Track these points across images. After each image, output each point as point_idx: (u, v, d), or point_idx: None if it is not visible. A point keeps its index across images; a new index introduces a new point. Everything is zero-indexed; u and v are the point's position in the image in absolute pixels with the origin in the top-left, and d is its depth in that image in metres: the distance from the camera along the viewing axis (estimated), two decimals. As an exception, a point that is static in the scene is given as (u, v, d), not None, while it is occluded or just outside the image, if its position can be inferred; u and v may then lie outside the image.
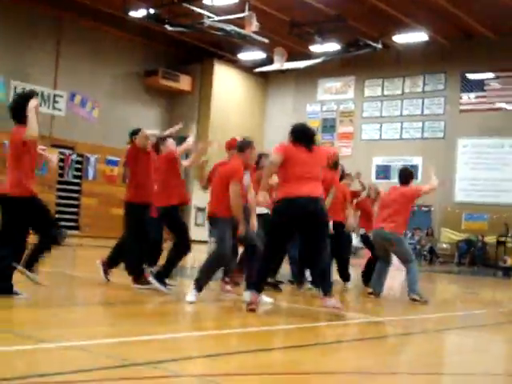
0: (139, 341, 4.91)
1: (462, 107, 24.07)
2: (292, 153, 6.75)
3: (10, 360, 4.09)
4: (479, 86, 23.65)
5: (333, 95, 26.96)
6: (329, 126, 26.86)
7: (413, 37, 22.70)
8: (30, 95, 6.71)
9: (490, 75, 23.48)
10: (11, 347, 4.34)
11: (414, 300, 8.62)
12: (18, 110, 6.58)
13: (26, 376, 3.61)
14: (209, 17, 20.12)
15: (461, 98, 24.06)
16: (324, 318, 7.00)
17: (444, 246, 23.17)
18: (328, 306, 6.75)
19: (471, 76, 23.81)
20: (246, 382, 3.96)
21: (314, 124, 27.14)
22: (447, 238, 23.23)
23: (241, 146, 7.53)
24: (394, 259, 9.27)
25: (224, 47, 25.69)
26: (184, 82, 26.68)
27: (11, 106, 6.77)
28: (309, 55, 23.73)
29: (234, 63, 27.13)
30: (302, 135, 6.91)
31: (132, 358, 4.24)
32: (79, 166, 23.34)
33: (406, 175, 9.30)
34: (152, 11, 21.10)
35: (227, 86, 27.32)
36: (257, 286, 6.82)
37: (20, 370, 3.78)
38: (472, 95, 23.88)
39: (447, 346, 6.36)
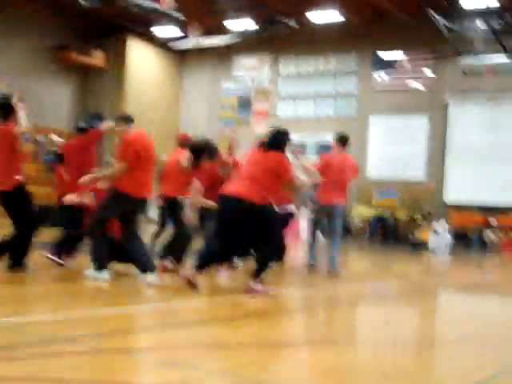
0: (57, 319, 4.88)
1: (373, 85, 24.61)
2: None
3: None
4: (390, 65, 24.23)
5: (249, 72, 27.02)
6: (244, 103, 26.95)
7: (326, 15, 22.98)
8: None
9: (401, 55, 24.06)
10: None
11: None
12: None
13: None
14: (123, -9, 19.76)
15: (372, 77, 24.59)
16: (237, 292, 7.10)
17: (356, 221, 23.73)
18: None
19: (382, 55, 24.35)
20: (173, 355, 4.01)
21: (230, 101, 27.18)
22: (359, 214, 23.80)
23: None
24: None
25: (139, 22, 25.25)
26: (97, 57, 26.13)
27: None
28: (224, 31, 23.67)
29: (150, 39, 26.75)
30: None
31: (51, 335, 4.21)
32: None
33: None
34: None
35: (142, 61, 26.96)
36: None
37: None
38: (383, 74, 24.44)
39: (359, 317, 6.57)
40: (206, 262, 6.91)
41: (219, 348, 4.30)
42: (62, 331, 4.42)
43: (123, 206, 7.11)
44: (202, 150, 8.21)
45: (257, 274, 6.85)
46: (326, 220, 9.36)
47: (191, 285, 6.66)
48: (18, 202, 7.18)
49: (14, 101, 7.28)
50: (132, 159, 6.99)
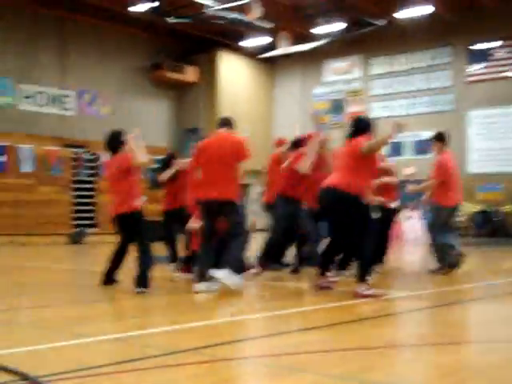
0: (176, 329, 5.02)
1: (469, 79, 24.00)
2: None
3: (55, 355, 4.21)
4: (485, 55, 23.56)
5: (339, 76, 26.93)
6: (338, 106, 26.85)
7: (416, 11, 22.59)
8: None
9: (496, 44, 23.38)
10: (53, 344, 4.46)
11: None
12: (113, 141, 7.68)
13: (74, 370, 3.72)
14: (210, 6, 20.14)
15: (468, 70, 23.99)
16: (348, 297, 7.08)
17: (461, 218, 23.15)
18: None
19: (477, 46, 23.72)
20: (293, 360, 4.06)
21: (323, 106, 27.16)
22: (463, 210, 23.21)
23: None
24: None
25: (228, 35, 25.67)
26: (190, 73, 26.72)
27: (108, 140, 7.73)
28: (313, 37, 23.69)
29: (239, 51, 27.11)
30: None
31: (172, 347, 4.35)
32: (93, 164, 23.45)
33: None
34: (153, 4, 21.12)
35: (233, 73, 27.34)
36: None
37: (66, 366, 3.89)
38: (479, 66, 23.79)
39: (471, 316, 6.43)
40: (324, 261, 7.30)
41: (336, 352, 4.32)
42: (180, 342, 4.56)
43: None
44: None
45: (361, 277, 6.85)
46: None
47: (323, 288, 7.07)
48: (133, 224, 7.57)
49: (131, 135, 7.62)
50: None
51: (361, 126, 7.26)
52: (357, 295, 6.78)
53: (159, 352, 4.22)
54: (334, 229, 7.38)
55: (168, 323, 5.44)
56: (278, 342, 4.71)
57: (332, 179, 7.08)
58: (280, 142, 9.37)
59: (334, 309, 6.37)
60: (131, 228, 7.57)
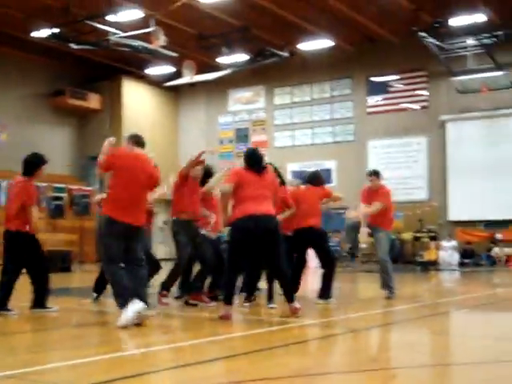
0: (72, 365, 4.82)
1: (369, 110, 24.73)
2: (243, 177, 7.39)
3: None
4: (385, 88, 24.37)
5: (244, 105, 27.19)
6: (242, 135, 27.06)
7: (318, 44, 23.18)
8: None
9: (394, 77, 24.23)
10: None
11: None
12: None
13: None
14: (114, 33, 19.91)
15: (367, 101, 24.73)
16: (254, 325, 7.05)
17: (363, 246, 23.60)
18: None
19: (376, 79, 24.51)
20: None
21: (227, 135, 27.31)
22: (365, 238, 23.67)
23: None
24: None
25: (132, 63, 25.49)
26: (93, 101, 26.31)
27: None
28: (217, 67, 23.84)
29: (143, 79, 26.96)
30: (251, 161, 7.53)
31: (71, 382, 4.17)
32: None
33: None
34: (55, 30, 20.68)
35: (137, 102, 27.12)
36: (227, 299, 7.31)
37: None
38: (378, 97, 24.58)
39: (377, 342, 6.51)
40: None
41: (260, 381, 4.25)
42: (80, 377, 4.36)
43: None
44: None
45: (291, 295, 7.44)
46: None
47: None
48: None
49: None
50: None
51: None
52: (293, 311, 7.30)
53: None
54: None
55: (67, 358, 5.21)
56: (184, 374, 4.59)
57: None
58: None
59: (241, 338, 6.31)
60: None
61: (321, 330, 7.00)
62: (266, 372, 4.62)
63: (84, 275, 16.50)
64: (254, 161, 7.53)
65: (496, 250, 21.74)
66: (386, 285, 9.82)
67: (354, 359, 5.34)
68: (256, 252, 7.44)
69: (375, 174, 10.19)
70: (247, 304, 8.65)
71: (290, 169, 25.24)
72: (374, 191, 9.98)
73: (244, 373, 4.65)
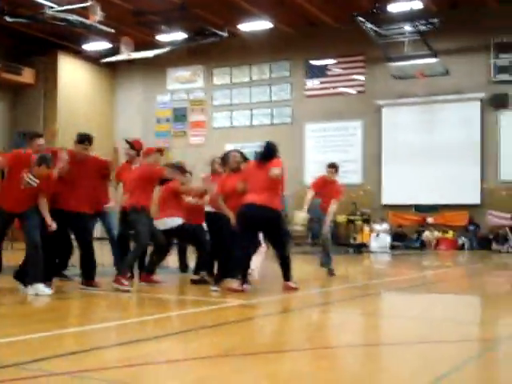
0: (2, 343, 4.73)
1: (307, 93, 24.87)
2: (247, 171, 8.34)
3: None
4: (323, 71, 24.54)
5: (182, 84, 26.96)
6: (180, 115, 26.86)
7: (257, 25, 23.13)
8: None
9: (332, 61, 24.42)
10: None
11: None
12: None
13: None
14: (50, 7, 19.43)
15: (305, 84, 24.86)
16: (190, 305, 7.05)
17: (298, 228, 23.82)
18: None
19: (314, 62, 24.65)
20: (120, 374, 3.93)
21: (166, 114, 27.06)
22: (300, 219, 23.89)
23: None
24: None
25: (68, 38, 24.93)
26: (27, 75, 25.67)
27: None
28: (156, 44, 23.55)
29: (80, 54, 26.43)
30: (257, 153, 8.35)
31: (-5, 363, 4.09)
32: None
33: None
34: (-12, 1, 20.07)
35: (73, 77, 26.59)
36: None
37: None
38: (316, 81, 24.74)
39: (309, 323, 6.60)
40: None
41: (171, 363, 4.25)
42: (1, 357, 4.29)
43: None
44: None
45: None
46: None
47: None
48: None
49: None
50: None
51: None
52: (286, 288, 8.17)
53: None
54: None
55: (7, 335, 5.11)
56: (109, 354, 4.56)
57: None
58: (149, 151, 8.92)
59: (170, 318, 6.30)
60: None
61: (254, 310, 7.05)
62: (194, 352, 4.63)
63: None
64: (258, 153, 8.28)
65: (426, 234, 22.27)
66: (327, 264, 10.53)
67: (285, 339, 5.40)
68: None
69: (335, 167, 10.98)
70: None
71: (227, 149, 25.14)
72: (330, 183, 10.80)
73: (173, 352, 4.65)
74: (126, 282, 7.98)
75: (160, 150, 8.96)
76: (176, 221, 8.85)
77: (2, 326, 5.71)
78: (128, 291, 7.86)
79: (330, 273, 10.43)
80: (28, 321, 6.08)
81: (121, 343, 5.02)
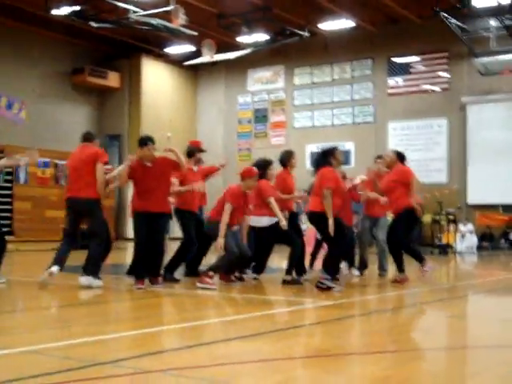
0: (96, 340, 4.85)
1: (389, 91, 24.54)
2: None
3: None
4: (406, 69, 24.16)
5: (263, 85, 27.06)
6: (261, 116, 26.96)
7: (339, 23, 22.96)
8: None
9: (415, 58, 24.00)
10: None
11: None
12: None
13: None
14: (134, 11, 19.85)
15: (388, 83, 24.54)
16: (278, 305, 7.07)
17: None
18: None
19: (397, 60, 24.29)
20: (215, 372, 3.97)
21: (247, 115, 27.23)
22: (383, 219, 23.62)
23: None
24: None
25: (151, 42, 25.42)
26: (112, 79, 26.30)
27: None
28: (237, 46, 23.73)
29: (163, 57, 26.89)
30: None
31: (92, 359, 4.19)
32: (10, 169, 22.73)
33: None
34: (75, 8, 20.67)
35: (157, 80, 27.08)
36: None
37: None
38: (399, 79, 24.37)
39: (399, 324, 6.50)
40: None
41: (261, 363, 4.26)
42: (101, 354, 4.40)
43: None
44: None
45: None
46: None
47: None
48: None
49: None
50: None
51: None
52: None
53: (79, 364, 4.07)
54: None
55: (88, 334, 5.25)
56: (202, 352, 4.61)
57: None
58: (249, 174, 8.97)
59: (257, 318, 6.32)
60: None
61: (339, 311, 7.00)
62: (285, 352, 4.63)
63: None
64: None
65: (516, 235, 21.60)
66: (381, 265, 10.38)
67: (372, 340, 5.34)
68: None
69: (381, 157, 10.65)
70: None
71: (308, 150, 25.16)
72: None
73: (264, 352, 4.66)
74: (211, 281, 8.09)
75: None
76: (270, 219, 8.88)
77: (93, 323, 5.86)
78: (215, 289, 7.95)
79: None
80: (122, 318, 6.23)
81: (211, 342, 5.07)
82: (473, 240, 20.90)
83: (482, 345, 5.19)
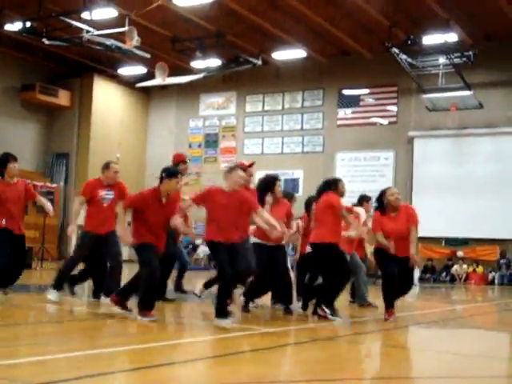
0: (35, 361, 4.75)
1: (339, 122, 24.89)
2: None
3: None
4: (355, 101, 24.56)
5: (215, 110, 27.16)
6: (212, 141, 27.03)
7: (292, 53, 23.29)
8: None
9: (365, 91, 24.44)
10: None
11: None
12: None
13: None
14: (88, 31, 19.75)
15: (337, 114, 24.89)
16: (219, 331, 7.03)
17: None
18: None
19: (347, 92, 24.69)
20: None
21: (198, 139, 27.25)
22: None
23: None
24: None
25: (104, 62, 25.32)
26: (63, 97, 26.06)
27: None
28: (190, 71, 23.79)
29: (115, 78, 26.79)
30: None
31: (30, 380, 4.10)
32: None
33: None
34: (28, 24, 20.43)
35: (108, 101, 26.93)
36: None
37: None
38: (348, 110, 24.76)
39: (340, 353, 6.53)
40: None
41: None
42: (41, 374, 4.30)
43: None
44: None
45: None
46: None
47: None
48: None
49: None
50: None
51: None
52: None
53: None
54: None
55: (33, 353, 5.13)
56: (138, 376, 4.56)
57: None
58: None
59: (204, 343, 6.28)
60: None
61: (283, 339, 7.00)
62: (218, 379, 4.61)
63: (44, 272, 16.34)
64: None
65: (456, 268, 22.01)
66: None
67: (313, 368, 5.35)
68: None
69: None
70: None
71: (257, 176, 25.18)
72: None
73: (197, 378, 4.63)
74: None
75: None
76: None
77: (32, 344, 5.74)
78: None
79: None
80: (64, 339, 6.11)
81: (154, 365, 5.01)
82: (415, 272, 21.17)
83: (423, 375, 5.26)
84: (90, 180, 9.41)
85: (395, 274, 8.27)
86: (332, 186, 8.62)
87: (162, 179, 7.46)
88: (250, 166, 9.41)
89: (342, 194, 8.72)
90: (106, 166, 8.76)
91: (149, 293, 7.33)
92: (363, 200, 10.93)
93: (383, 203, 8.56)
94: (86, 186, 8.92)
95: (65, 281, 8.82)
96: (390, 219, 8.44)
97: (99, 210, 8.62)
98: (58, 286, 8.68)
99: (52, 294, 8.61)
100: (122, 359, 5.37)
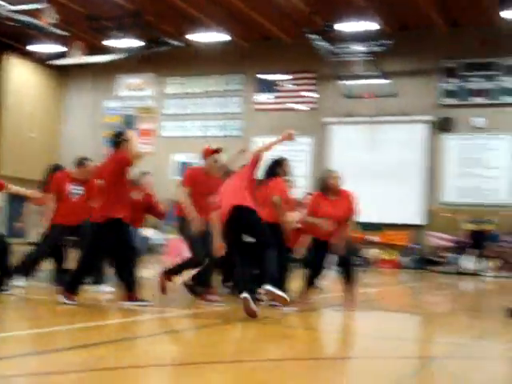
0: None
1: (256, 106, 24.97)
2: None
3: None
4: (274, 86, 24.68)
5: (133, 92, 26.77)
6: (129, 122, 26.65)
7: (212, 36, 23.16)
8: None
9: (284, 77, 24.59)
10: None
11: None
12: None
13: None
14: (1, 6, 19.06)
15: (256, 98, 24.96)
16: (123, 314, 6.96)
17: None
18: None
19: (266, 77, 24.78)
20: (58, 380, 3.85)
21: (114, 120, 26.80)
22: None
23: None
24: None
25: (17, 38, 24.50)
26: (-28, 74, 25.15)
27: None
28: (108, 50, 23.32)
29: (29, 55, 25.99)
30: None
31: None
32: None
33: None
34: None
35: (21, 79, 26.13)
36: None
37: None
38: (266, 96, 24.86)
39: (253, 334, 6.58)
40: None
41: (100, 372, 4.18)
42: None
43: None
44: None
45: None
46: None
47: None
48: None
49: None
50: None
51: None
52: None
53: None
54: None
55: None
56: (48, 359, 4.47)
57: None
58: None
59: (107, 326, 6.21)
60: None
61: (194, 320, 7.00)
62: (127, 361, 4.57)
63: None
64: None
65: (369, 252, 22.51)
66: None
67: (221, 350, 5.37)
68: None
69: None
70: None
71: (176, 159, 25.11)
72: None
73: (107, 360, 4.58)
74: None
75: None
76: None
77: None
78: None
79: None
80: None
81: (59, 349, 4.92)
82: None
83: (333, 356, 5.36)
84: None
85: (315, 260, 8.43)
86: (276, 167, 8.88)
87: None
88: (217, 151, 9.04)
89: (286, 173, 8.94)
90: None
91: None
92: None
93: (326, 186, 8.61)
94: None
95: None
96: (330, 202, 8.52)
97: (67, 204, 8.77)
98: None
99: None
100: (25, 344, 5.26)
